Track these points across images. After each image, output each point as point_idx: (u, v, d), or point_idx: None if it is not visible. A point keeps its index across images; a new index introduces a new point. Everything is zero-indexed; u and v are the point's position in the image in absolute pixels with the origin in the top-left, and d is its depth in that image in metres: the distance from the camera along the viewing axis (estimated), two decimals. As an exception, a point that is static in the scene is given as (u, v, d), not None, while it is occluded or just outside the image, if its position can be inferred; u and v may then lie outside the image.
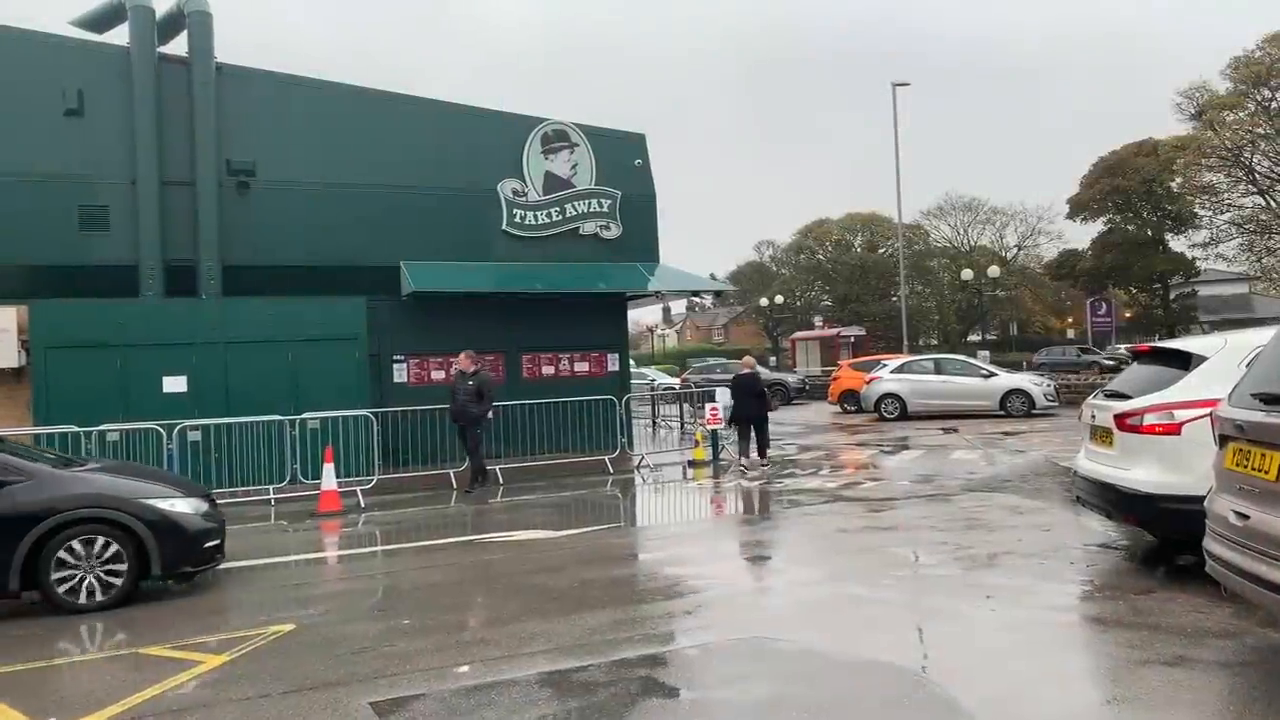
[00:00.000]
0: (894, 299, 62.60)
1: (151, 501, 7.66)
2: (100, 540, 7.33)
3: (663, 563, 8.29)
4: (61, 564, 7.23)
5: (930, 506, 10.69)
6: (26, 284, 15.35)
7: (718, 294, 21.08)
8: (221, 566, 8.63)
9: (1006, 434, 18.88)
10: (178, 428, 12.11)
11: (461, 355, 14.10)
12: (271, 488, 13.26)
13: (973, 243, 64.39)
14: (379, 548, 10.01)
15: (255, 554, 9.39)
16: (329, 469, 12.35)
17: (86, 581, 7.27)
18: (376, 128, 17.10)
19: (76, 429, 12.64)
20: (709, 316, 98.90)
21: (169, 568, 7.58)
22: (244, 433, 13.39)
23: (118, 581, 7.36)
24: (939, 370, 24.12)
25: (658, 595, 7.07)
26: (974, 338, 63.08)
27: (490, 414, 13.91)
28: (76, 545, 7.26)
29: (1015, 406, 22.85)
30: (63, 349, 14.05)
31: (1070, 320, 67.92)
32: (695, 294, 20.29)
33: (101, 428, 12.61)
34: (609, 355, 18.70)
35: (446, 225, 17.29)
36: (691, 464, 15.82)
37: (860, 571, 7.57)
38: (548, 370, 18.21)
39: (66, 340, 14.05)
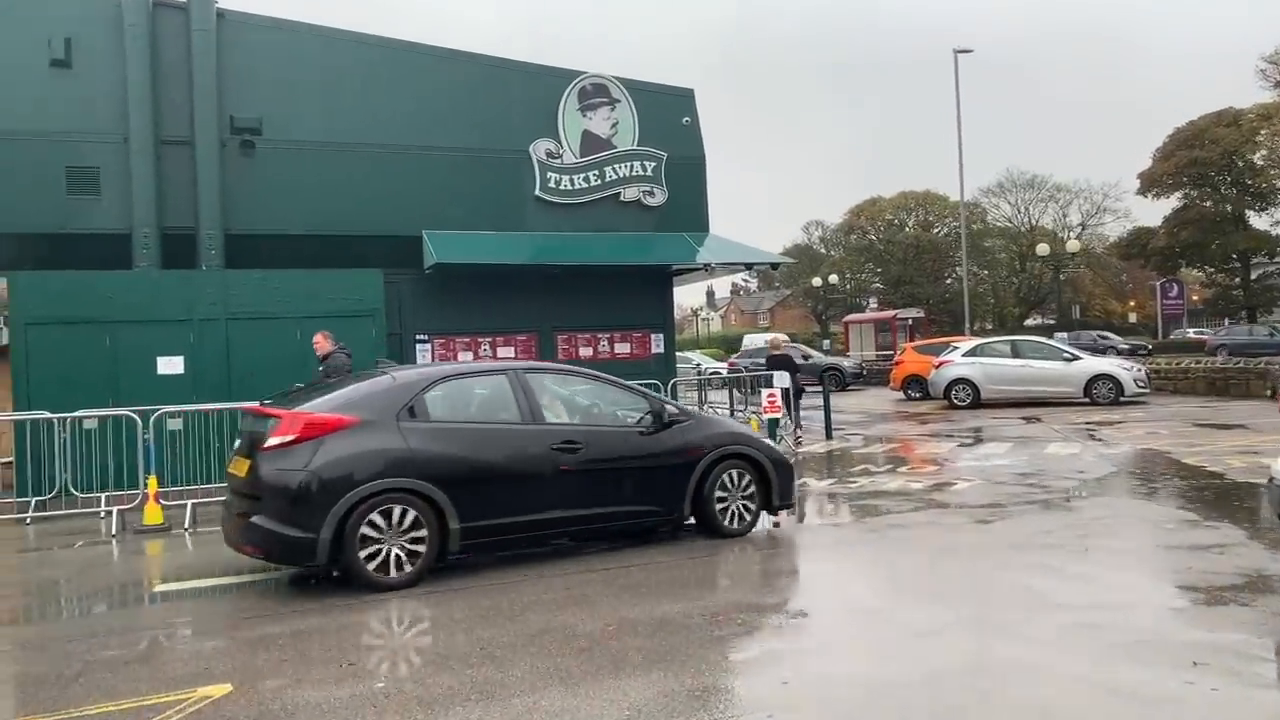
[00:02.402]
0: (949, 281, 59.92)
1: (765, 440, 8.87)
2: (742, 474, 8.07)
3: (723, 594, 6.45)
4: (722, 488, 7.94)
5: (1048, 516, 8.72)
6: (8, 254, 14.08)
7: (774, 266, 19.11)
8: (175, 587, 7.44)
9: (1099, 424, 16.71)
10: (154, 415, 10.47)
11: (317, 335, 11.07)
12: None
13: (1034, 221, 61.35)
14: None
15: (220, 570, 7.71)
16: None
17: (734, 508, 8.01)
18: (397, 82, 15.42)
19: (50, 416, 11.11)
20: (754, 300, 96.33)
21: (783, 498, 8.34)
22: (236, 421, 11.73)
23: (751, 511, 8.11)
24: (1016, 353, 21.89)
25: (722, 650, 5.25)
26: (1031, 321, 60.16)
27: None
28: (732, 475, 7.99)
29: (1101, 393, 20.58)
30: (45, 325, 12.69)
31: (1132, 304, 64.66)
32: (749, 267, 18.30)
33: (78, 414, 11.05)
34: (653, 335, 16.93)
35: (474, 190, 15.66)
36: (747, 458, 13.90)
37: (996, 616, 5.65)
38: (585, 352, 16.49)
39: (49, 316, 12.69)
